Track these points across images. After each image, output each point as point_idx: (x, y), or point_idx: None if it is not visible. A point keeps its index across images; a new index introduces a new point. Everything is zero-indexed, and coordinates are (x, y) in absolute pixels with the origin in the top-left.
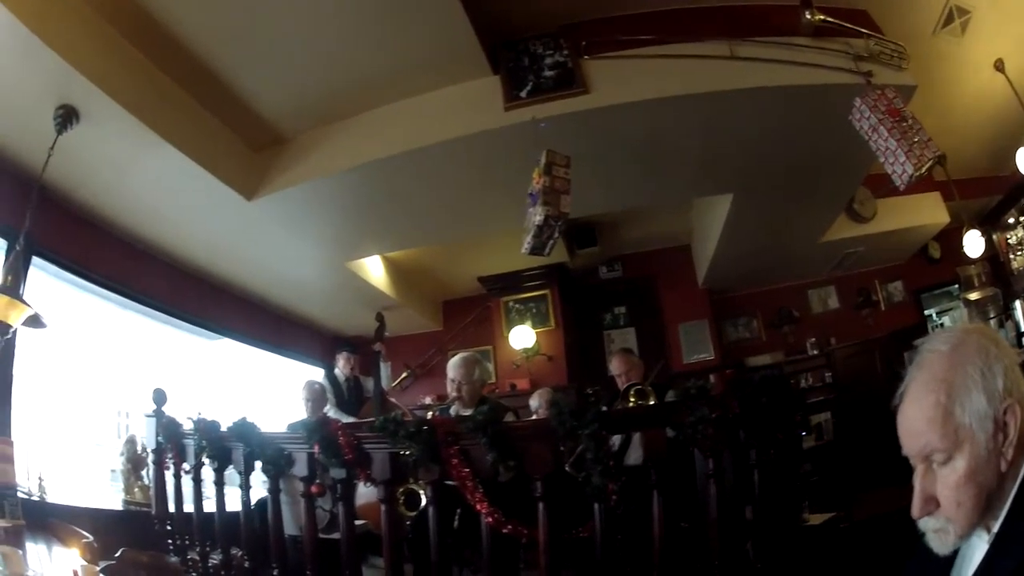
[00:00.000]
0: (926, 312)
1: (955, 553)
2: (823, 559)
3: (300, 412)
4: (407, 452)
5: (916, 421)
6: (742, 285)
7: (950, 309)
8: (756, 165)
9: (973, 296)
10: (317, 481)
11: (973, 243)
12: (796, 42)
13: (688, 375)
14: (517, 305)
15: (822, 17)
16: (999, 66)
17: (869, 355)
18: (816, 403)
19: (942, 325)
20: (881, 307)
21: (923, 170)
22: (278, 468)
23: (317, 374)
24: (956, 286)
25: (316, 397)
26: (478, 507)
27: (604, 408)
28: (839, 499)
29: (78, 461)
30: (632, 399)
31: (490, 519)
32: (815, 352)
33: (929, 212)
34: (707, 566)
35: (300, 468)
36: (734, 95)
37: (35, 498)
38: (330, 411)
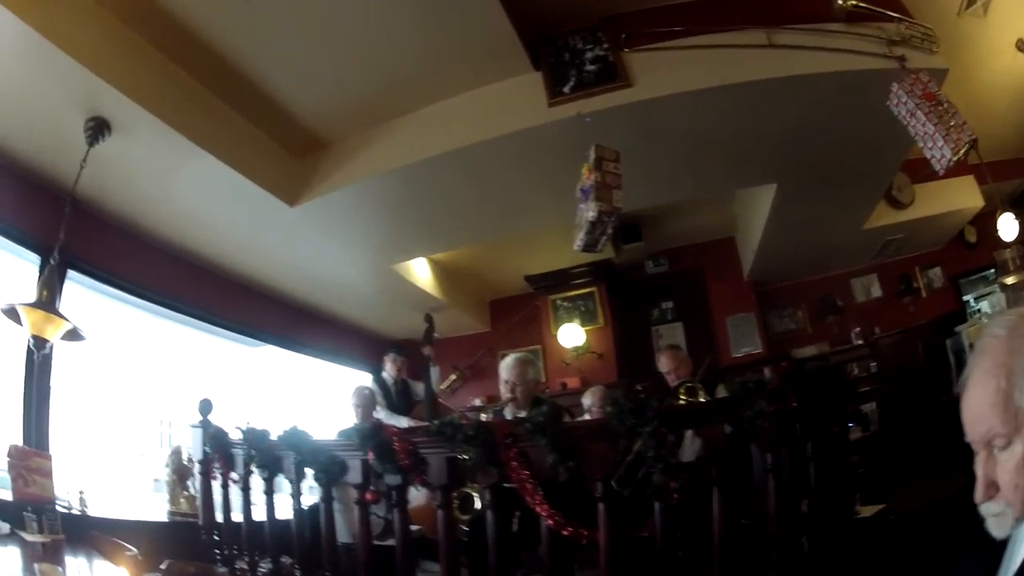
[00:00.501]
0: (964, 297)
1: (1005, 543)
2: (874, 551)
3: (350, 418)
4: (465, 456)
5: (979, 407)
6: (786, 276)
7: (988, 294)
8: (798, 154)
9: (1009, 280)
10: (371, 488)
11: (1007, 226)
12: (830, 28)
13: (737, 369)
14: (565, 303)
15: (854, 2)
16: (1021, 46)
17: (911, 343)
18: (862, 393)
19: (979, 311)
20: (922, 294)
21: (960, 154)
22: (331, 476)
23: (365, 379)
24: (992, 270)
25: (365, 403)
26: (538, 509)
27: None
28: (885, 490)
29: (121, 471)
30: (682, 396)
31: (550, 521)
32: (859, 342)
33: (964, 196)
34: (764, 561)
35: (354, 475)
36: (774, 84)
37: (75, 512)
38: (381, 414)
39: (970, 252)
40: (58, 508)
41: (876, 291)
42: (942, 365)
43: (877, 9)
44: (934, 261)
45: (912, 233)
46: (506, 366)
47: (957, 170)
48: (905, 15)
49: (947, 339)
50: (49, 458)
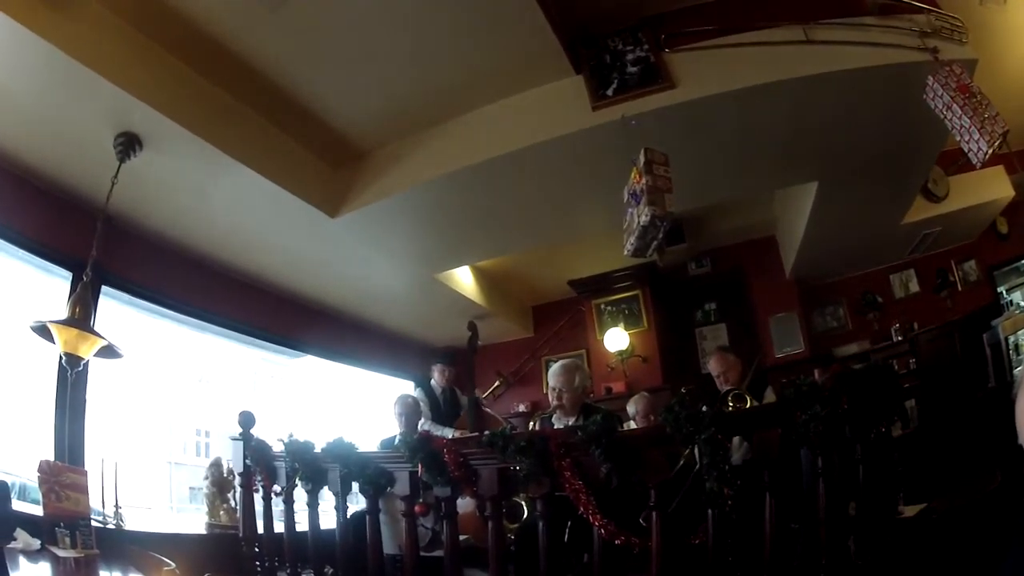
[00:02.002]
0: (998, 289)
1: None
2: (919, 552)
3: (392, 427)
4: (517, 467)
5: None
6: (828, 274)
7: (1020, 285)
8: (838, 150)
9: None
10: (420, 500)
11: None
12: (864, 22)
13: (780, 369)
14: (609, 307)
15: None
16: None
17: (949, 339)
18: (905, 390)
19: (1011, 302)
20: (958, 288)
21: (995, 145)
22: (377, 488)
23: (407, 387)
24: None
25: (409, 411)
26: (591, 519)
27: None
28: (925, 488)
29: (157, 482)
30: (730, 404)
31: (603, 531)
32: (899, 338)
33: (995, 186)
34: (813, 565)
35: (401, 487)
36: (814, 80)
37: (111, 526)
38: (426, 424)
39: (1003, 243)
40: (93, 522)
41: (914, 286)
42: (979, 360)
43: (906, 1)
44: (969, 254)
45: (948, 226)
46: (553, 373)
47: (988, 160)
48: (933, 6)
49: (983, 333)
50: (84, 473)
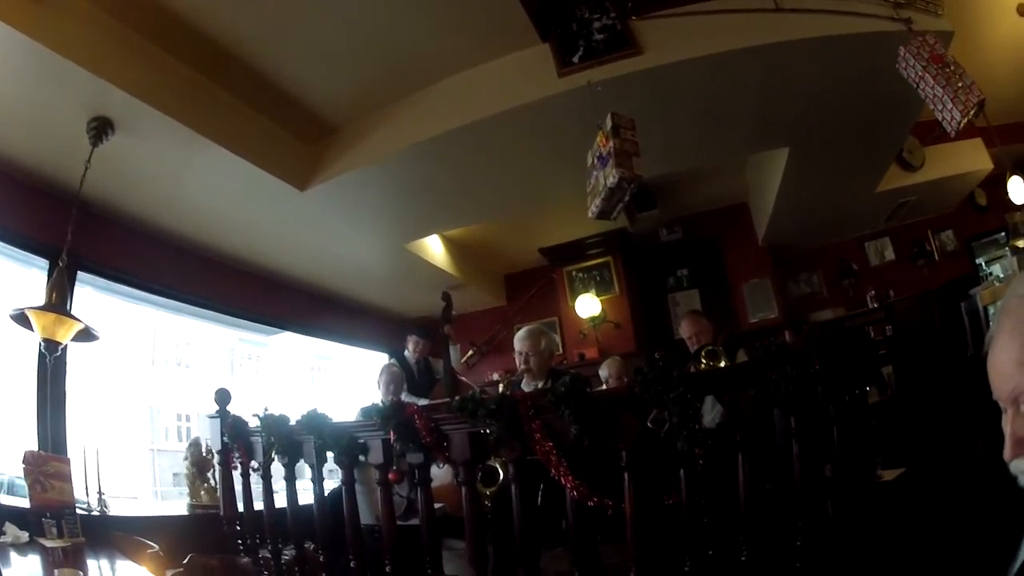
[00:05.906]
0: (976, 260)
1: None
2: (897, 515)
3: (375, 396)
4: (488, 431)
5: (1005, 365)
6: (801, 240)
7: (999, 257)
8: (809, 117)
9: (1021, 243)
10: (394, 468)
11: (1017, 189)
12: None
13: (754, 334)
14: (580, 274)
15: None
16: (1022, 11)
17: (927, 307)
18: (880, 356)
19: (991, 274)
20: (935, 257)
21: (970, 115)
22: (352, 458)
23: (384, 360)
24: (1003, 233)
25: (396, 380)
26: (563, 481)
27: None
28: (904, 454)
29: (141, 469)
30: (704, 361)
31: (575, 493)
32: (875, 305)
33: (973, 158)
34: (790, 526)
35: (375, 456)
36: (784, 47)
37: (95, 513)
38: (403, 395)
39: (982, 215)
40: (78, 511)
41: (890, 254)
42: (957, 328)
43: None
44: (946, 224)
45: (924, 196)
46: (519, 338)
47: (966, 133)
48: None
49: (961, 302)
50: (67, 462)
